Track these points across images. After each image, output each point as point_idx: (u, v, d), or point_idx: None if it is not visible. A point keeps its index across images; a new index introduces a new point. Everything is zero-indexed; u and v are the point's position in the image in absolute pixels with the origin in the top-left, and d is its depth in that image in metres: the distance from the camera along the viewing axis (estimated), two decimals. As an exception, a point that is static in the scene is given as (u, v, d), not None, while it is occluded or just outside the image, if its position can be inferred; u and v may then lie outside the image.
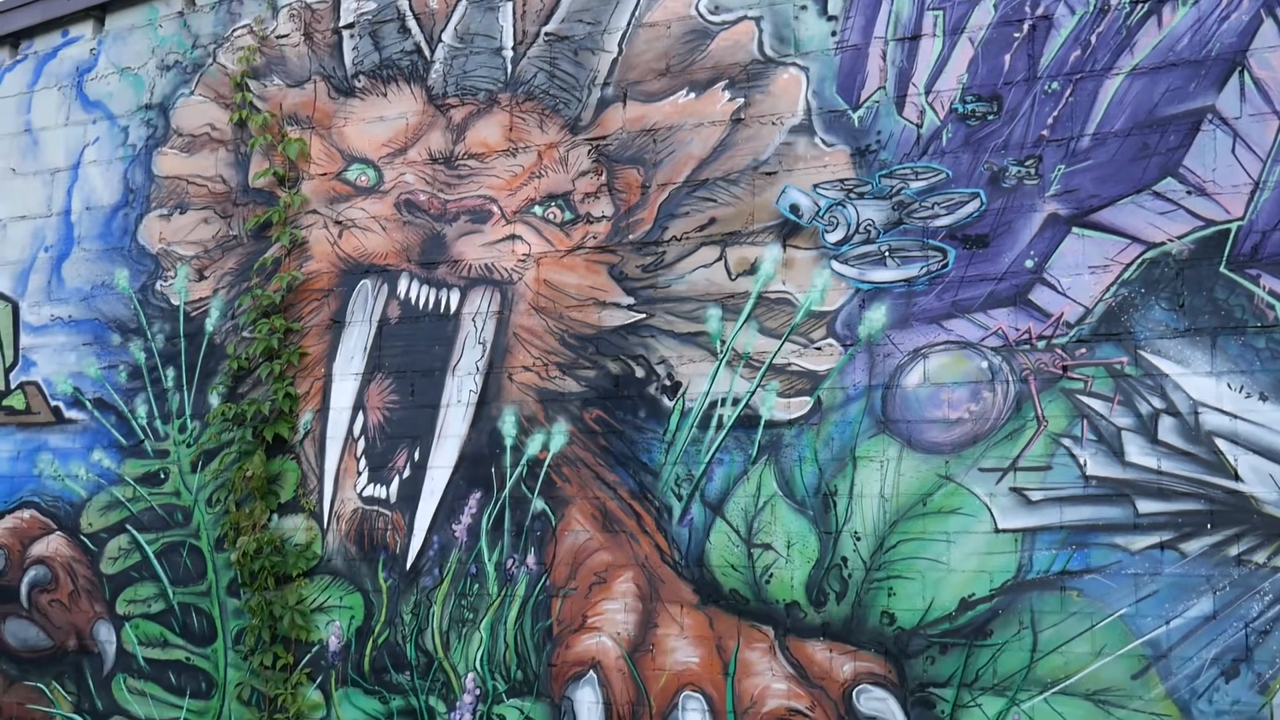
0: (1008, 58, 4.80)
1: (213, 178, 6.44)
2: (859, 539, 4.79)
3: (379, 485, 5.74)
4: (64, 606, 6.47)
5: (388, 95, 6.04)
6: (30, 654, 6.55)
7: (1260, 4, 4.45)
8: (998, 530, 4.57)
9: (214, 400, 6.19)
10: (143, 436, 6.37)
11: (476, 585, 5.47)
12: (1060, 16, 4.73)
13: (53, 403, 6.70)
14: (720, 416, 5.10)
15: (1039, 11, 4.76)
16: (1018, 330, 4.64)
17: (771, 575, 4.92)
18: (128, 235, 6.61)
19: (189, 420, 6.25)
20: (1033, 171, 4.69)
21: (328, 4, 6.26)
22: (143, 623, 6.23)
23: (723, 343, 5.13)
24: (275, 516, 5.93)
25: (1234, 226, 4.38)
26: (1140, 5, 4.62)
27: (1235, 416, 4.31)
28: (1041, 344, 4.60)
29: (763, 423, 5.02)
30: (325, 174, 6.14)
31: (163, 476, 6.28)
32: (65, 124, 6.96)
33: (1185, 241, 4.43)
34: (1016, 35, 4.79)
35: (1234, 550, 4.26)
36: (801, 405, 4.96)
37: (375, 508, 5.73)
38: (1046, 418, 4.55)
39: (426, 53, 5.97)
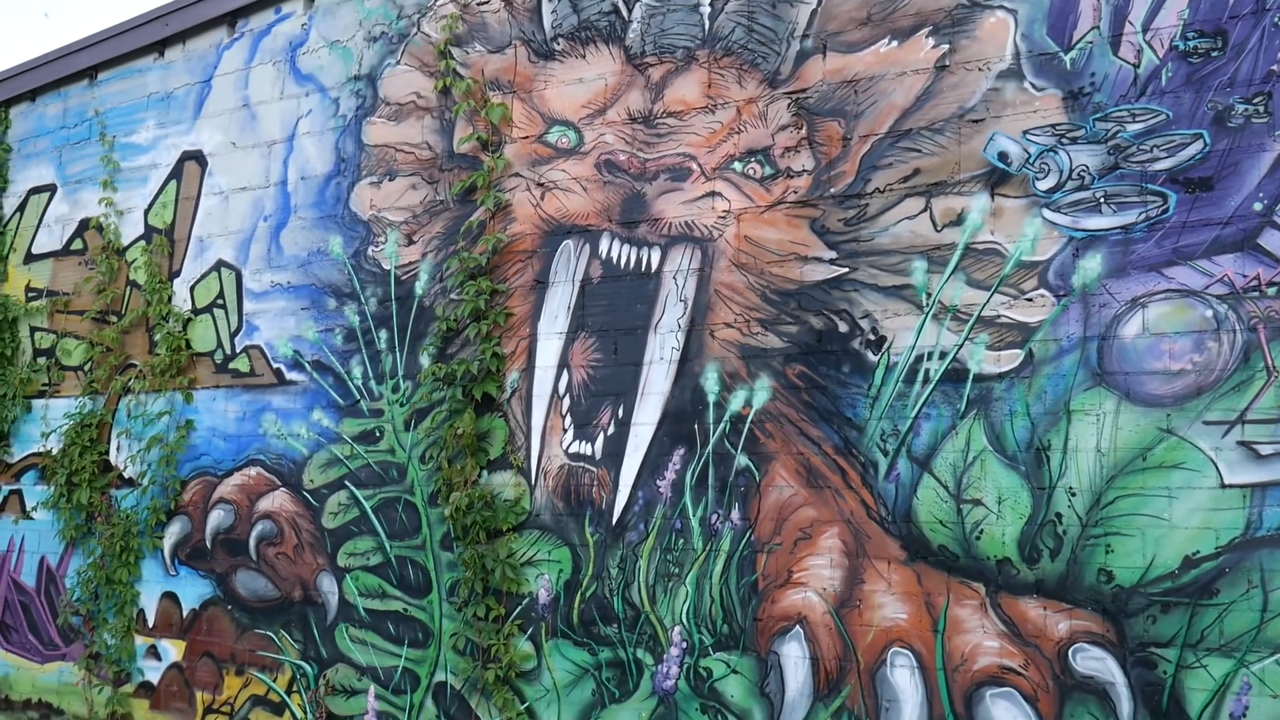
0: (1232, -10, 4.57)
1: (419, 144, 6.62)
2: (1074, 494, 4.65)
3: (584, 442, 5.84)
4: (289, 559, 6.80)
5: (586, 57, 6.10)
6: (260, 603, 6.91)
7: None
8: (1224, 485, 4.38)
9: (425, 361, 6.38)
10: (359, 396, 6.63)
11: (681, 540, 5.52)
12: (1291, -57, 4.47)
13: (274, 365, 7.02)
14: (927, 370, 5.02)
15: (1267, -61, 4.51)
16: (1245, 277, 4.42)
17: (982, 531, 4.82)
18: (340, 203, 6.87)
19: (401, 380, 6.47)
20: (1262, 109, 4.45)
21: (526, -31, 6.36)
22: (362, 575, 6.50)
23: (928, 295, 5.04)
24: (485, 473, 6.10)
25: None
26: (1382, -74, 4.33)
27: None
28: (1272, 290, 4.37)
29: (971, 376, 4.92)
30: (527, 137, 6.24)
31: (378, 435, 6.52)
32: (280, 98, 7.25)
33: None
34: (1242, -35, 4.55)
35: None
36: (1012, 358, 4.84)
37: (581, 464, 5.84)
38: (1277, 368, 4.33)
39: (624, 12, 6.00)
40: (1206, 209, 4.51)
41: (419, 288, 6.48)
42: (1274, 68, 4.44)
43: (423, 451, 6.34)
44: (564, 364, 5.95)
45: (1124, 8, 4.75)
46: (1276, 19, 4.45)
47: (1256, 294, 4.39)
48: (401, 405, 6.46)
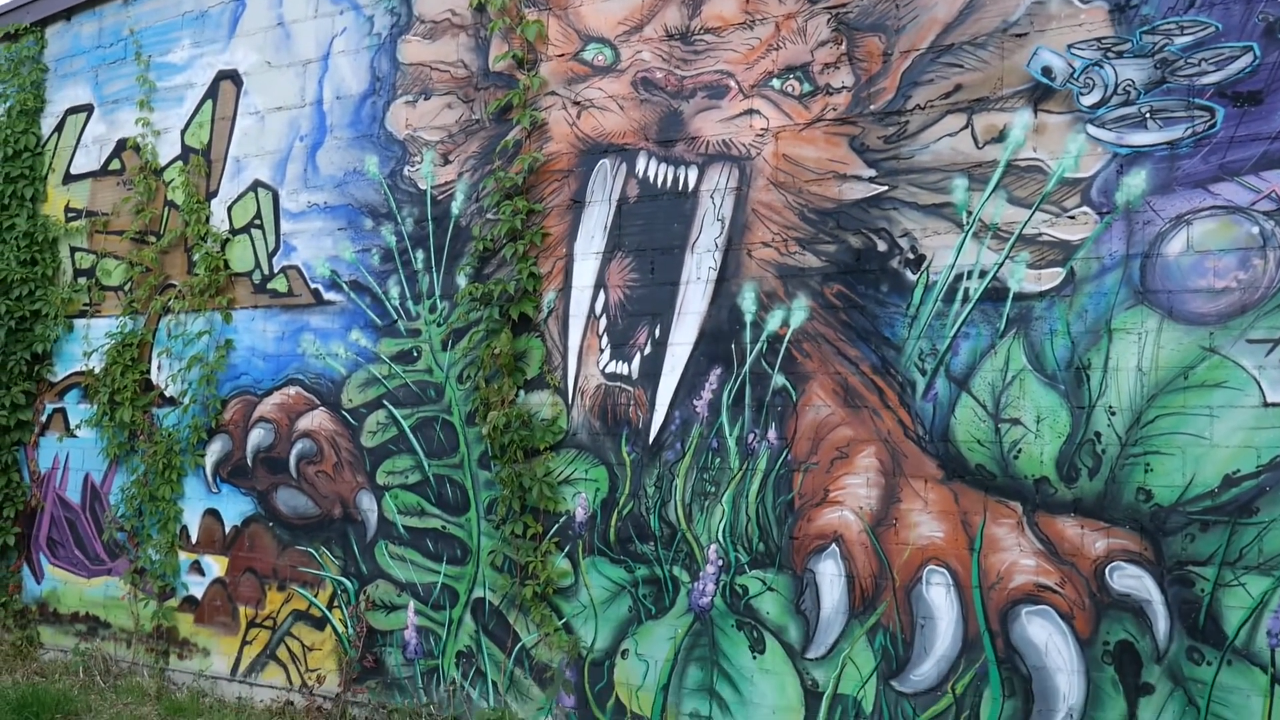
0: (1287, -103, 4.44)
1: (454, 63, 6.58)
2: (1114, 413, 4.63)
3: (621, 362, 5.85)
4: (329, 477, 6.87)
5: (623, -28, 6.03)
6: (300, 521, 7.00)
7: None
8: (1267, 404, 4.35)
9: (461, 281, 6.39)
10: (396, 317, 6.65)
11: (718, 459, 5.54)
12: None
13: (312, 285, 7.05)
14: (966, 289, 4.98)
15: None
16: (1293, 193, 4.35)
17: (1020, 450, 4.82)
18: (376, 123, 6.84)
19: (439, 300, 6.49)
20: (1314, 20, 4.35)
21: (562, -118, 6.27)
22: (401, 493, 6.56)
23: (969, 213, 4.99)
24: (522, 392, 6.13)
25: None
26: None
27: None
28: (1320, 207, 4.31)
29: (1011, 295, 4.88)
30: (563, 55, 6.19)
31: (415, 355, 6.55)
32: (314, 16, 7.21)
33: None
34: None
35: None
36: (1053, 276, 4.79)
37: (618, 384, 5.85)
38: (1324, 286, 4.28)
39: (661, -74, 5.91)
40: (1255, 123, 4.43)
41: (455, 207, 6.47)
42: (1329, -22, 4.34)
43: (460, 371, 6.37)
44: (601, 284, 5.95)
45: (1174, -84, 4.64)
46: (1333, -73, 4.34)
47: (1304, 211, 4.33)
48: (439, 325, 6.48)
